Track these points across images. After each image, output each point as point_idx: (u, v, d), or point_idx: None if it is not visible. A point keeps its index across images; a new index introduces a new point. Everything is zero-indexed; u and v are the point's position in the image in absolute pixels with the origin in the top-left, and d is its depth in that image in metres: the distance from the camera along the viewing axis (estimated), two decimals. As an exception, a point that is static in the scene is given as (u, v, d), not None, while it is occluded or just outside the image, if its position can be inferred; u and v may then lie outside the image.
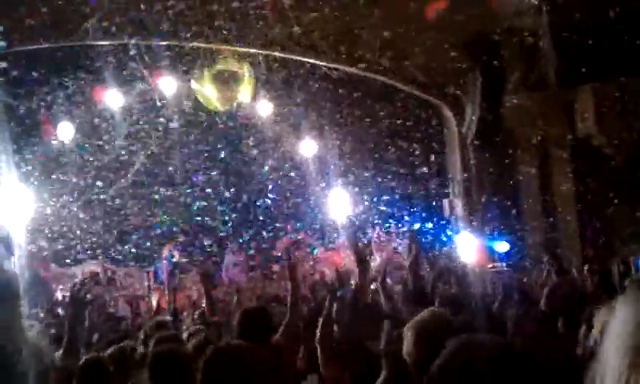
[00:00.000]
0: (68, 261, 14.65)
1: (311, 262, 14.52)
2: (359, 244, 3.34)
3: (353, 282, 5.29)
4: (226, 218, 16.08)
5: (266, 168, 16.02)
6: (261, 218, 16.34)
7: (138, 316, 10.88)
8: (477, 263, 11.30)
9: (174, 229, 15.70)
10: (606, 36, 11.12)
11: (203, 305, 11.05)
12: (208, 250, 15.61)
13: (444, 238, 14.46)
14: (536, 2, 11.95)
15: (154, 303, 13.14)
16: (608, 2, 11.01)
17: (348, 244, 3.81)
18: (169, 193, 15.84)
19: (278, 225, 16.13)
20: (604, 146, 12.48)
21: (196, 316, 7.73)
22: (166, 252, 14.36)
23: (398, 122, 15.22)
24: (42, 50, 12.72)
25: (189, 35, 12.59)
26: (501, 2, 12.17)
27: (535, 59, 12.97)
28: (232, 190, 16.19)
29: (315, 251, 15.19)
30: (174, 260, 14.35)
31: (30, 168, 13.66)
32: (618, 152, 12.20)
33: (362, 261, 3.45)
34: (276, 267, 14.84)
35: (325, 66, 13.98)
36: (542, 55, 12.86)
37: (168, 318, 7.61)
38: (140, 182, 15.52)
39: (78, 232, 14.89)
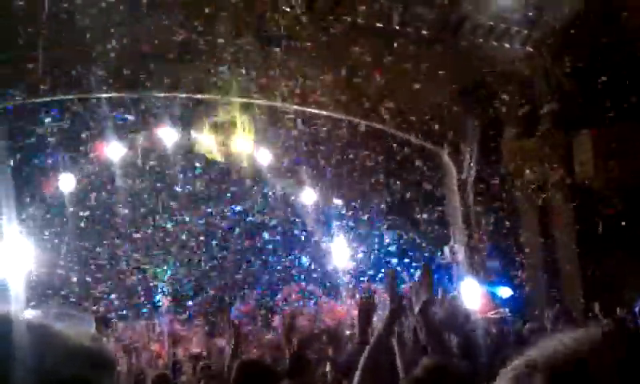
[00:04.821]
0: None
1: (312, 312, 14.42)
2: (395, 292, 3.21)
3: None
4: (228, 268, 16.01)
5: (266, 217, 16.04)
6: (261, 269, 16.28)
7: (137, 369, 10.72)
8: (480, 309, 11.20)
9: (175, 281, 15.63)
10: (602, 81, 11.25)
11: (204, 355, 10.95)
12: (212, 301, 15.50)
13: (446, 284, 14.36)
14: (532, 49, 12.12)
15: (155, 356, 13.01)
16: (604, 48, 11.17)
17: (387, 288, 3.48)
18: (169, 244, 15.80)
19: (278, 275, 16.07)
20: (603, 190, 12.50)
21: (199, 368, 7.64)
22: (166, 304, 14.25)
23: (398, 169, 15.28)
24: (44, 102, 12.84)
25: (189, 87, 12.73)
26: (497, 49, 12.34)
27: (533, 104, 13.10)
28: (232, 240, 16.15)
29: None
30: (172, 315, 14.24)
31: (30, 220, 13.65)
32: (617, 196, 12.22)
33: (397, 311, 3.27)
34: (276, 318, 14.71)
35: (324, 115, 14.10)
36: (540, 100, 12.99)
37: (165, 371, 7.53)
38: (141, 232, 15.50)
39: (77, 283, 14.80)
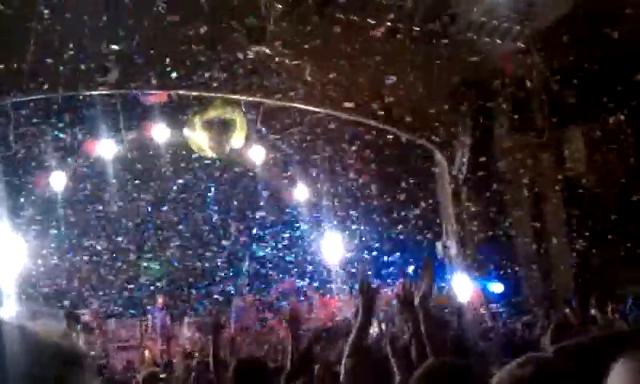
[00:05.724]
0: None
1: (307, 308, 14.42)
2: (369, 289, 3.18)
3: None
4: (221, 265, 16.00)
5: (258, 213, 16.04)
6: (254, 264, 16.26)
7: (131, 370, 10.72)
8: (472, 305, 11.26)
9: (167, 278, 15.61)
10: (593, 78, 11.28)
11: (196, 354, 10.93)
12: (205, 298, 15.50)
13: (438, 281, 14.38)
14: (524, 45, 12.13)
15: (147, 354, 13.00)
16: (595, 45, 11.19)
17: (360, 289, 3.42)
18: (162, 241, 15.77)
19: (271, 271, 16.07)
20: (594, 185, 12.55)
21: (194, 364, 7.62)
22: (160, 302, 14.20)
23: (390, 166, 15.26)
24: (35, 100, 12.76)
25: (181, 84, 12.68)
26: (489, 46, 12.35)
27: (524, 101, 13.13)
28: (226, 236, 16.13)
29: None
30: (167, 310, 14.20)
31: (22, 218, 13.57)
32: (609, 191, 12.27)
33: (369, 307, 3.25)
34: (269, 314, 14.70)
35: (318, 112, 14.08)
36: (531, 97, 13.02)
37: (157, 368, 7.52)
38: (133, 230, 15.47)
39: (70, 282, 14.75)
